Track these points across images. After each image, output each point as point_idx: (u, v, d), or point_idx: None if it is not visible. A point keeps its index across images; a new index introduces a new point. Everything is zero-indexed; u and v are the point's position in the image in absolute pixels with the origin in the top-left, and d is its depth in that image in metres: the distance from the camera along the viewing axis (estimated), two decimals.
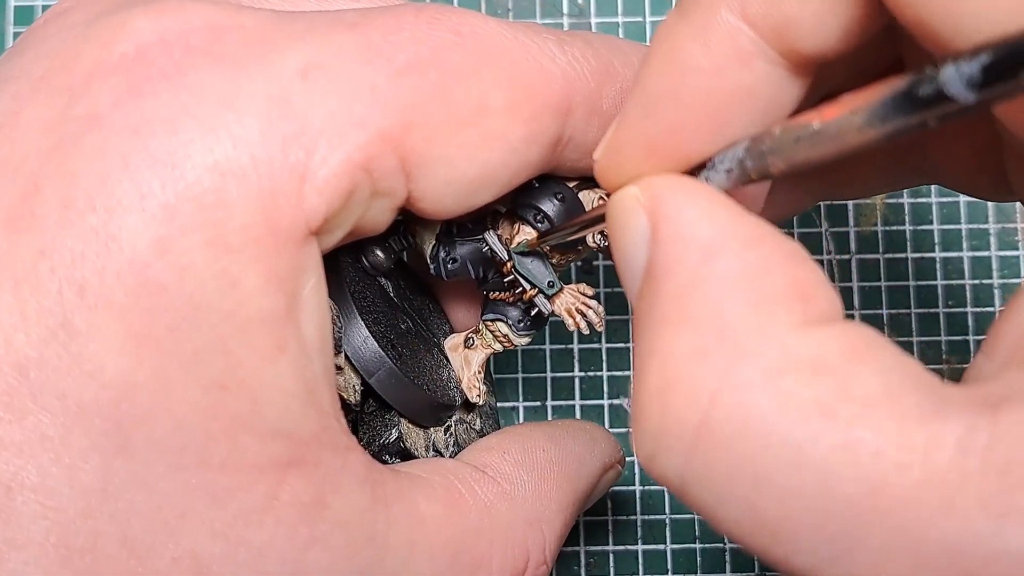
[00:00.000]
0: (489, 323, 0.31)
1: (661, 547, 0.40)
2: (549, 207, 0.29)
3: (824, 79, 0.23)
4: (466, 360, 0.31)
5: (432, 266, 0.31)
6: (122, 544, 0.22)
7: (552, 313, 0.29)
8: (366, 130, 0.23)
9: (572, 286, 0.30)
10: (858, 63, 0.25)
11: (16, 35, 0.43)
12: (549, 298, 0.29)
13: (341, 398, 0.27)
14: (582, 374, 0.42)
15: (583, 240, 0.28)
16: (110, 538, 0.22)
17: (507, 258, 0.29)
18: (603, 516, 0.40)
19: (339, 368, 0.28)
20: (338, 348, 0.28)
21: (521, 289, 0.29)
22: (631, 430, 0.21)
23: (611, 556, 0.40)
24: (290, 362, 0.23)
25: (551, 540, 0.28)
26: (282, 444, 0.23)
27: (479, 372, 0.31)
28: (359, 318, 0.29)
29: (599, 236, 0.28)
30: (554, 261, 0.30)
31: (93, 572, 0.22)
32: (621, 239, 0.22)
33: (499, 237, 0.29)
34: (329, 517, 0.24)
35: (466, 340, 0.32)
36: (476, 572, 0.26)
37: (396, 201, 0.26)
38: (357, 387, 0.29)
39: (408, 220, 0.31)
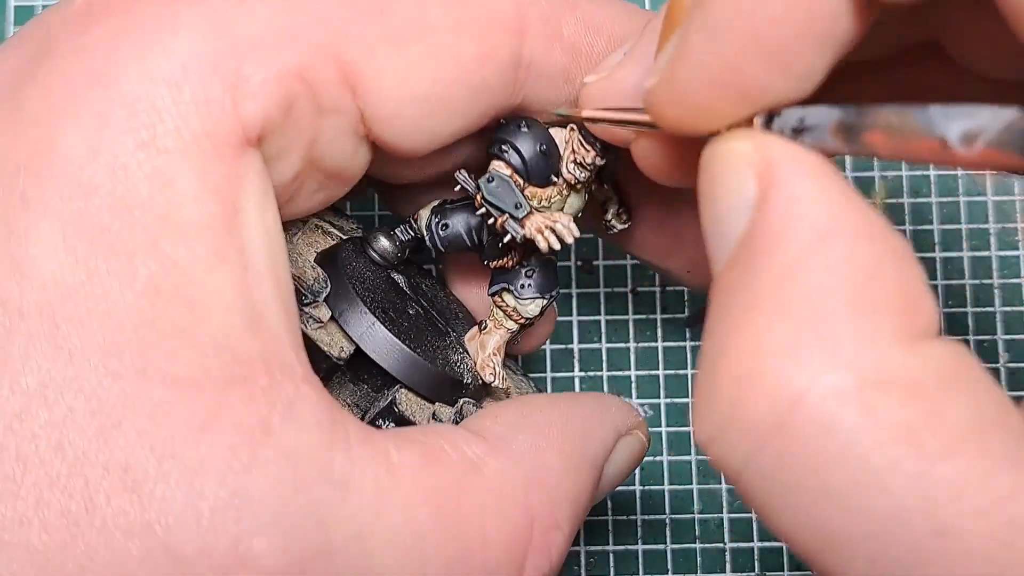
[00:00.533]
0: (496, 298, 0.31)
1: (661, 547, 0.40)
2: (512, 133, 0.29)
3: (883, 28, 0.21)
4: (481, 344, 0.31)
5: (427, 237, 0.31)
6: (55, 449, 0.22)
7: (524, 237, 0.28)
8: (300, 41, 0.25)
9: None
10: (914, 21, 0.24)
11: None
12: (519, 222, 0.29)
13: (324, 352, 0.28)
14: (582, 374, 0.42)
15: (559, 172, 0.29)
16: (44, 442, 0.22)
17: (475, 190, 0.29)
18: (603, 516, 0.40)
19: (321, 322, 0.29)
20: (330, 308, 0.29)
21: (505, 231, 0.29)
22: (691, 401, 0.20)
23: (611, 556, 0.40)
24: (230, 274, 0.24)
25: (562, 502, 0.26)
26: (223, 360, 0.23)
27: (494, 353, 0.31)
28: (348, 284, 0.29)
29: (573, 166, 0.28)
30: (535, 204, 0.29)
31: (23, 475, 0.22)
32: (719, 199, 0.20)
33: (469, 174, 0.29)
34: (274, 444, 0.23)
35: (480, 324, 0.32)
36: (464, 527, 0.25)
37: (348, 121, 0.26)
38: (346, 348, 0.29)
39: (413, 209, 0.32)
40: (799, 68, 0.20)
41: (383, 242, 0.32)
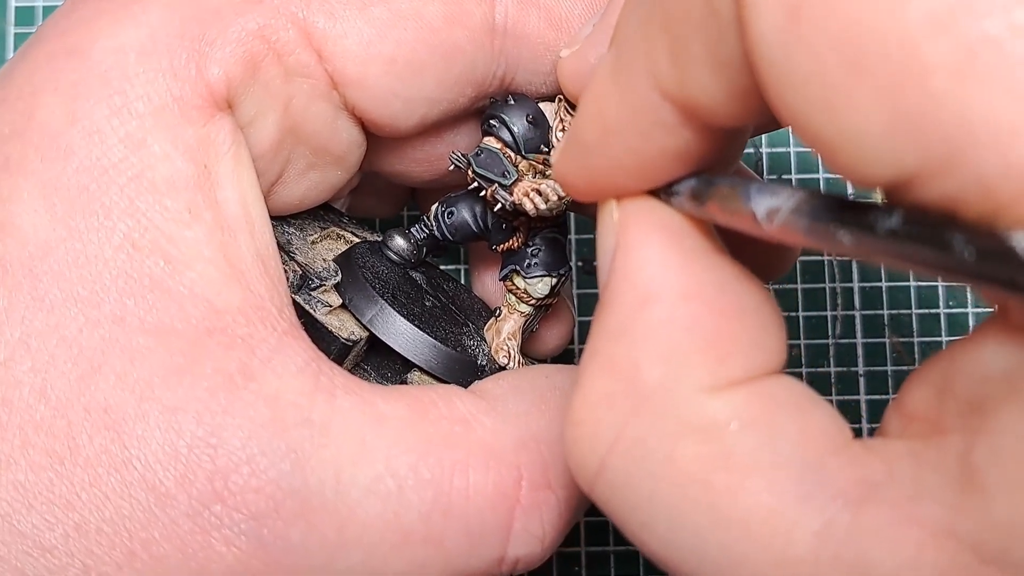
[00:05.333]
0: (507, 283, 0.31)
1: None
2: (499, 108, 0.29)
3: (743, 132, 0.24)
4: (496, 330, 0.31)
5: (435, 227, 0.32)
6: (40, 395, 0.24)
7: (513, 204, 0.28)
8: (261, 4, 0.26)
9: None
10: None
11: (17, 36, 0.44)
12: (507, 189, 0.29)
13: (334, 334, 0.28)
14: None
15: (549, 142, 0.29)
16: (27, 388, 0.24)
17: (466, 165, 0.29)
18: (603, 516, 0.40)
19: (329, 306, 0.29)
20: (342, 296, 0.30)
21: (496, 201, 0.29)
22: None
23: (611, 556, 0.40)
24: (205, 229, 0.25)
25: (553, 464, 0.26)
26: (201, 309, 0.24)
27: (510, 338, 0.31)
28: (358, 272, 0.30)
29: (562, 134, 0.29)
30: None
31: (8, 419, 0.23)
32: (599, 245, 0.22)
33: (461, 153, 0.30)
34: (255, 389, 0.24)
35: (495, 312, 0.32)
36: (446, 478, 0.25)
37: (318, 85, 0.27)
38: (356, 332, 0.29)
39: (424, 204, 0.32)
40: (660, 179, 0.21)
41: (398, 240, 0.32)
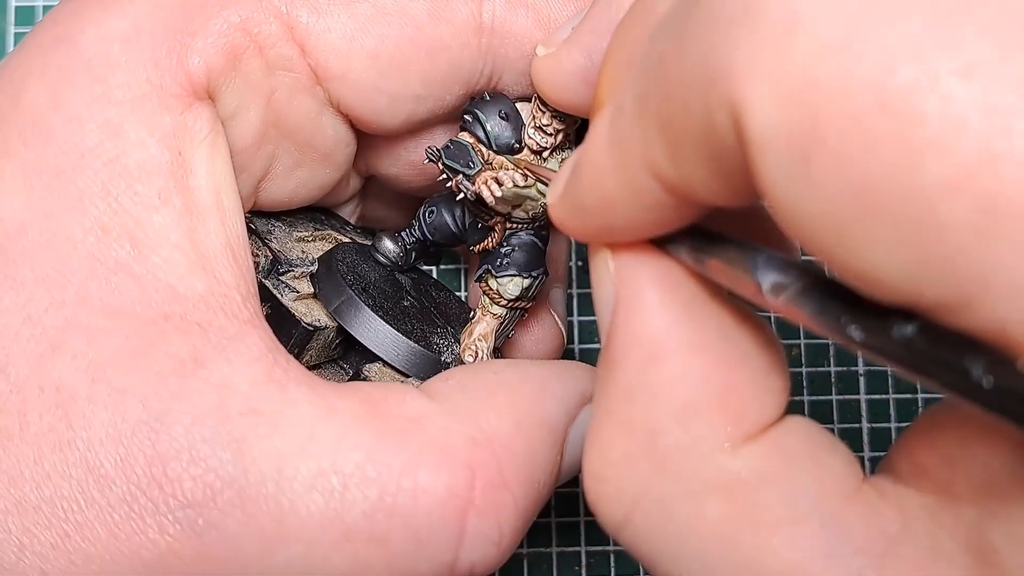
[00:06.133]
0: (482, 284, 0.31)
1: None
2: (475, 104, 0.29)
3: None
4: (468, 331, 0.31)
5: (417, 226, 0.32)
6: (1, 370, 0.24)
7: (475, 193, 0.28)
8: None
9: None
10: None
11: (17, 35, 0.44)
12: (471, 179, 0.29)
13: (297, 318, 0.28)
14: None
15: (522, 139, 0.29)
16: None
17: (437, 157, 0.29)
18: None
19: (297, 292, 0.29)
20: (314, 287, 0.30)
21: (460, 191, 0.29)
22: None
23: (611, 556, 0.40)
24: (175, 215, 0.25)
25: (508, 462, 0.25)
26: (162, 294, 0.24)
27: (480, 339, 0.31)
28: (333, 265, 0.30)
29: (534, 131, 0.29)
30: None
31: None
32: (595, 294, 0.22)
33: (435, 147, 0.30)
34: (204, 376, 0.24)
35: (471, 315, 0.32)
36: (393, 477, 0.24)
37: (300, 79, 0.27)
38: (322, 320, 0.29)
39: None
40: (658, 234, 0.21)
41: (386, 242, 0.32)
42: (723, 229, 0.21)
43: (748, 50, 0.16)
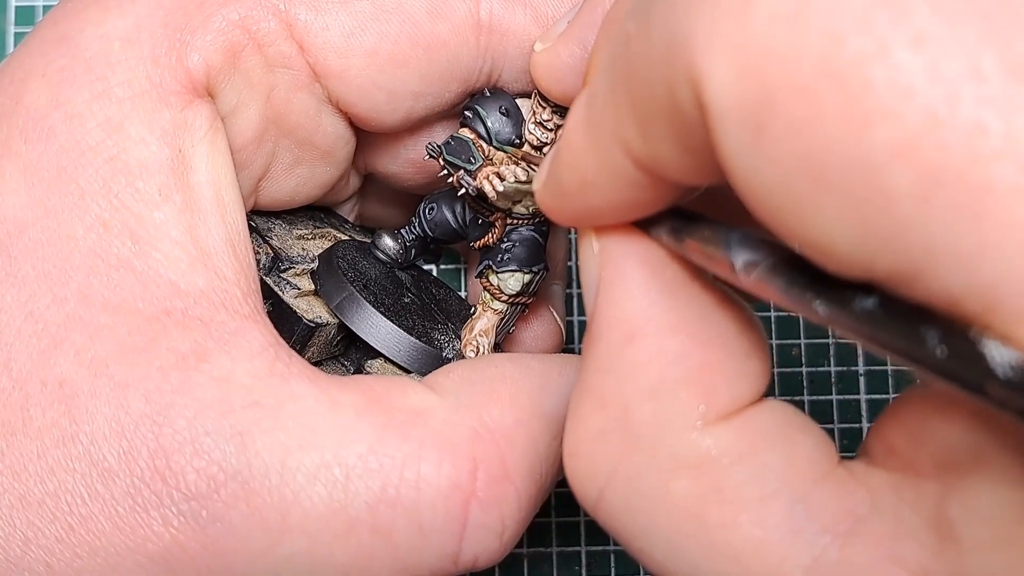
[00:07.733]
0: (482, 280, 0.31)
1: None
2: (476, 100, 0.29)
3: None
4: (469, 327, 0.31)
5: (417, 223, 0.32)
6: (3, 367, 0.24)
7: (476, 188, 0.28)
8: None
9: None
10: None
11: (17, 35, 0.44)
12: (472, 175, 0.29)
13: (298, 315, 0.28)
14: None
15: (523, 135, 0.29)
16: None
17: (438, 152, 0.29)
18: None
19: (298, 288, 0.29)
20: (315, 284, 0.30)
21: (461, 187, 0.29)
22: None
23: (611, 556, 0.40)
24: (175, 211, 0.25)
25: (513, 454, 0.25)
26: (163, 290, 0.25)
27: (481, 334, 0.31)
28: (333, 262, 0.30)
29: (534, 126, 0.29)
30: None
31: None
32: (582, 277, 0.22)
33: (436, 144, 0.30)
34: (207, 370, 0.24)
35: (471, 311, 0.32)
36: (396, 468, 0.24)
37: (299, 77, 0.28)
38: (323, 316, 0.29)
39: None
40: (640, 216, 0.21)
41: (386, 239, 0.32)
42: (704, 211, 0.21)
43: (707, 22, 0.16)
